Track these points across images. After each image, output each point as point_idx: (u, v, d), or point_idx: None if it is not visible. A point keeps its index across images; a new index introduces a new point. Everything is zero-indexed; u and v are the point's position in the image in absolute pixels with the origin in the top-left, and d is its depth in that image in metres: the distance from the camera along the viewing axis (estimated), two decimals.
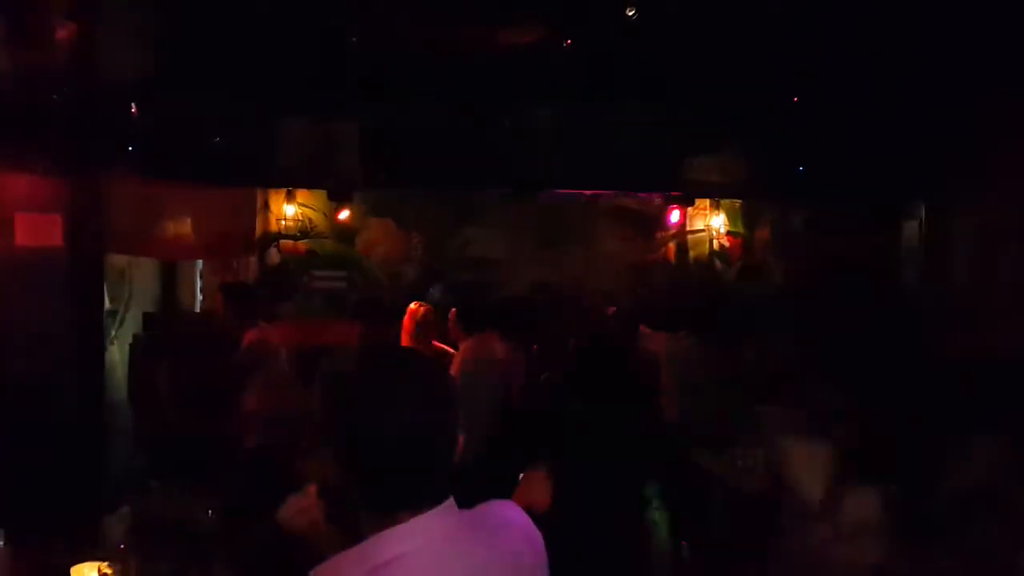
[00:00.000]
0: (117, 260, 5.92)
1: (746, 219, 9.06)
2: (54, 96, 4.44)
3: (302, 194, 8.11)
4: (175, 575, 2.43)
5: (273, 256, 8.24)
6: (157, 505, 2.87)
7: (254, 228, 6.71)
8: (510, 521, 1.29)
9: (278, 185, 6.38)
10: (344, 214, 6.08)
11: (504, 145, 5.85)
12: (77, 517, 2.84)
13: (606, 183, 6.39)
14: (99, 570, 2.13)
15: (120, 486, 3.12)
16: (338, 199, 5.70)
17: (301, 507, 1.57)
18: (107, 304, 5.47)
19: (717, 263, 9.27)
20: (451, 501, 1.16)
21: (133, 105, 5.05)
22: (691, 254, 9.28)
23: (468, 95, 5.61)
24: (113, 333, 5.88)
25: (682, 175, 5.98)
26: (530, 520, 1.33)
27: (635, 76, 5.46)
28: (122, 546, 2.38)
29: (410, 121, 5.64)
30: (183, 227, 6.32)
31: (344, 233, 8.50)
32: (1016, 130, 5.24)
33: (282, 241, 8.26)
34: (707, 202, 8.95)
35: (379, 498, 1.10)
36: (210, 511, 2.81)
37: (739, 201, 8.95)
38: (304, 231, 8.32)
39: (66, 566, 2.36)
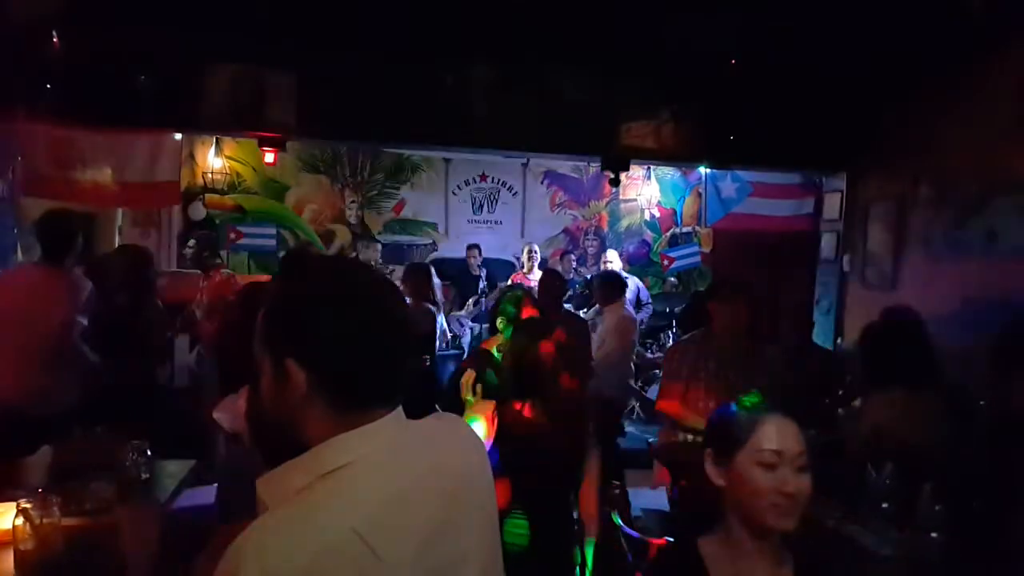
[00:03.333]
0: (32, 208, 5.64)
1: (676, 189, 9.30)
2: None
3: (230, 146, 7.86)
4: (96, 514, 2.36)
5: (198, 210, 7.97)
6: (79, 448, 2.78)
7: (178, 178, 6.44)
8: (456, 431, 1.30)
9: (205, 131, 6.14)
10: (269, 159, 5.83)
11: (443, 102, 5.75)
12: None
13: (541, 145, 6.35)
14: (17, 506, 2.05)
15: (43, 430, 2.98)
16: (268, 147, 5.50)
17: (234, 408, 1.56)
18: (19, 255, 5.22)
19: (647, 232, 9.46)
20: (399, 410, 1.15)
21: (51, 42, 4.77)
22: (623, 223, 9.45)
23: (407, 48, 5.48)
24: None
25: (615, 140, 6.00)
26: (475, 432, 1.35)
27: (575, 35, 5.43)
28: (40, 489, 2.30)
29: (347, 71, 5.48)
30: (102, 174, 6.03)
31: (274, 189, 8.29)
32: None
33: (207, 195, 8.01)
34: (639, 172, 9.14)
35: (345, 399, 1.09)
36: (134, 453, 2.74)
37: (671, 172, 9.18)
38: (232, 185, 8.08)
39: None
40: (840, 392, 4.34)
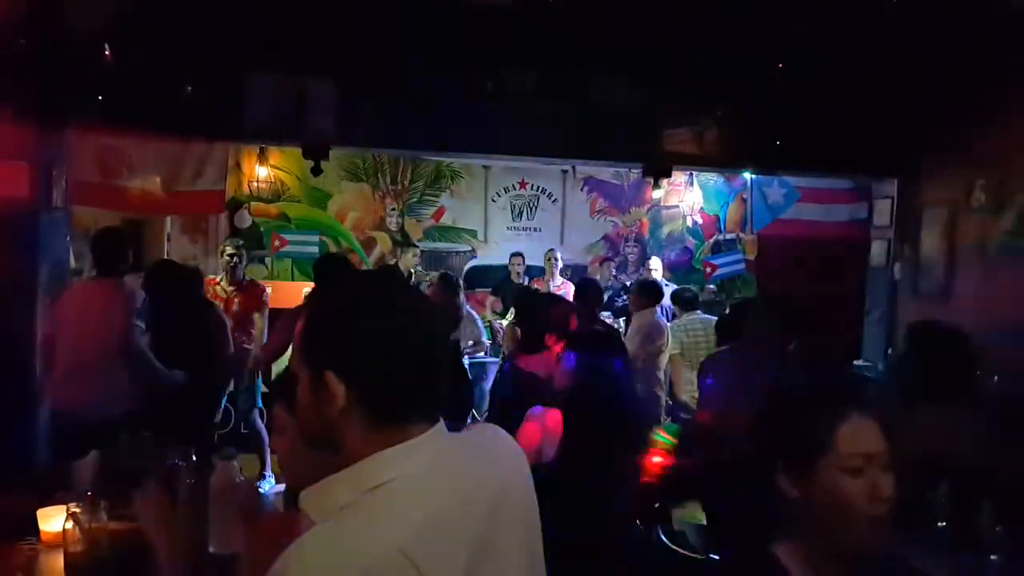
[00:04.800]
0: (83, 218, 5.79)
1: (719, 196, 9.17)
2: (20, 42, 4.30)
3: (275, 156, 7.98)
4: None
5: (244, 217, 8.11)
6: (125, 453, 2.82)
7: (225, 187, 6.57)
8: (497, 444, 1.28)
9: (250, 141, 6.25)
10: (315, 171, 5.92)
11: (481, 110, 5.76)
12: (46, 462, 2.79)
13: (583, 153, 6.33)
14: (67, 510, 2.09)
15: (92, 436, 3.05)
16: (312, 157, 5.57)
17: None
18: (72, 263, 5.36)
19: (689, 239, 9.34)
20: (441, 424, 1.14)
21: (102, 53, 4.89)
22: (664, 229, 9.35)
23: (448, 55, 5.51)
24: None
25: (656, 147, 5.94)
26: (515, 443, 1.32)
27: (616, 41, 5.40)
28: (89, 492, 2.34)
29: (389, 80, 5.53)
30: (150, 182, 6.17)
31: (317, 197, 8.40)
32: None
33: (253, 203, 8.14)
34: (682, 178, 9.03)
35: (385, 414, 1.08)
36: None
37: (713, 178, 9.05)
38: (276, 193, 8.21)
39: (33, 509, 2.32)
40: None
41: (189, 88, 5.06)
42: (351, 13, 5.08)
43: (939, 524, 2.80)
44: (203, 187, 6.38)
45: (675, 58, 5.56)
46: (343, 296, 1.12)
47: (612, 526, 2.77)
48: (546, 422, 2.75)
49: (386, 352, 1.06)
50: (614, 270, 8.81)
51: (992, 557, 2.55)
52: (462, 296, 5.47)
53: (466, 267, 8.91)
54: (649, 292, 5.66)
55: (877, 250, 6.53)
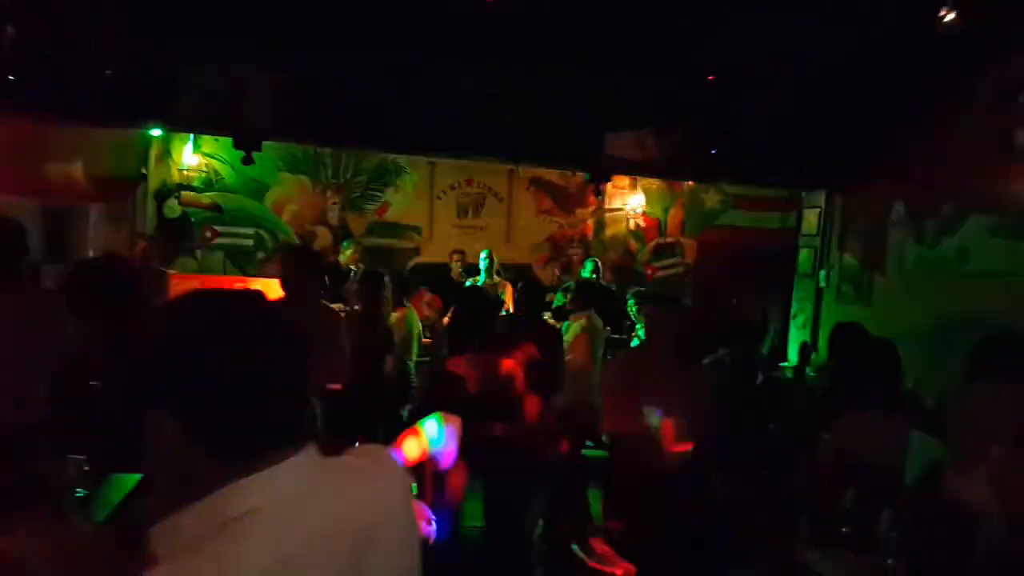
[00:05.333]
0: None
1: (661, 200, 9.23)
2: None
3: (208, 143, 7.74)
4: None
5: (172, 207, 7.85)
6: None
7: (145, 174, 6.34)
8: (375, 467, 1.20)
9: (178, 128, 6.04)
10: (247, 164, 5.74)
11: (423, 108, 5.68)
12: None
13: (525, 155, 6.30)
14: None
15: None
16: (244, 148, 5.41)
17: None
18: None
19: (632, 242, 9.39)
20: (311, 448, 1.06)
21: (16, 33, 4.67)
22: (608, 232, 9.38)
23: (390, 53, 5.42)
24: None
25: (598, 152, 5.94)
26: (403, 467, 1.27)
27: (562, 47, 5.38)
28: None
29: (329, 73, 5.41)
30: (71, 169, 5.94)
31: (254, 188, 8.18)
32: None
33: (183, 192, 7.90)
34: (626, 182, 9.08)
35: (228, 447, 0.99)
36: None
37: (656, 182, 9.12)
38: (209, 183, 7.97)
39: None
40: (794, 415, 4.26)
41: (109, 71, 4.85)
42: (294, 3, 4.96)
43: (843, 529, 2.83)
44: (126, 174, 6.16)
45: (616, 66, 5.57)
46: (162, 327, 1.03)
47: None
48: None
49: (216, 382, 0.97)
50: (558, 270, 8.81)
51: (888, 561, 2.57)
52: (385, 294, 5.24)
53: (410, 264, 8.82)
54: (587, 294, 5.61)
55: (804, 257, 6.64)
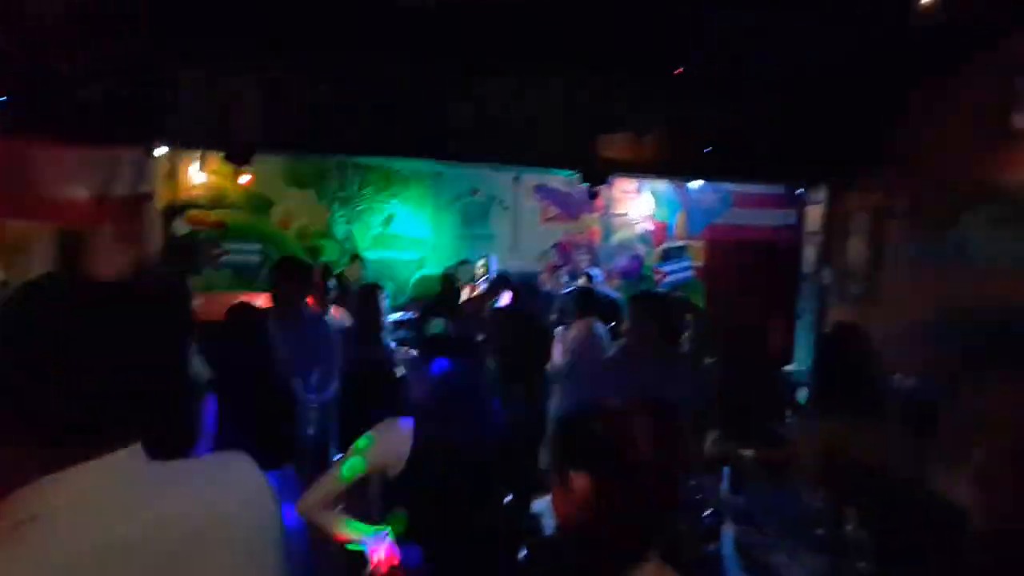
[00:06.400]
0: (12, 229, 5.67)
1: (668, 203, 9.14)
2: None
3: (213, 161, 7.85)
4: None
5: (180, 226, 7.96)
6: None
7: (153, 193, 6.44)
8: (221, 476, 1.15)
9: (169, 144, 6.11)
10: (244, 178, 5.81)
11: (418, 113, 5.70)
12: None
13: (518, 159, 6.28)
14: None
15: None
16: (236, 162, 5.47)
17: None
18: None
19: (640, 246, 9.31)
20: (136, 448, 1.03)
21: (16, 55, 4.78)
22: (615, 237, 9.31)
23: (381, 58, 5.44)
24: None
25: (590, 153, 5.90)
26: (262, 478, 1.18)
27: (553, 48, 5.36)
28: None
29: (319, 81, 5.45)
30: (75, 191, 6.05)
31: (259, 204, 8.27)
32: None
33: (190, 211, 8.00)
34: (632, 185, 9.02)
35: (44, 438, 0.96)
36: None
37: (664, 185, 9.03)
38: (215, 201, 8.07)
39: None
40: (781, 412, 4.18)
41: (102, 91, 4.93)
42: (276, 13, 5.00)
43: (818, 532, 2.76)
44: (132, 194, 6.25)
45: (609, 64, 5.54)
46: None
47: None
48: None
49: (27, 370, 0.96)
50: (565, 277, 8.76)
51: (860, 564, 2.50)
52: (382, 303, 5.25)
53: (415, 276, 8.85)
54: (583, 302, 5.55)
55: (809, 255, 6.53)
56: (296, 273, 4.27)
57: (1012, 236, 4.47)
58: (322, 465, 4.12)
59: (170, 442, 1.16)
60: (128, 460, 1.01)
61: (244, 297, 6.79)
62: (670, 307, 3.98)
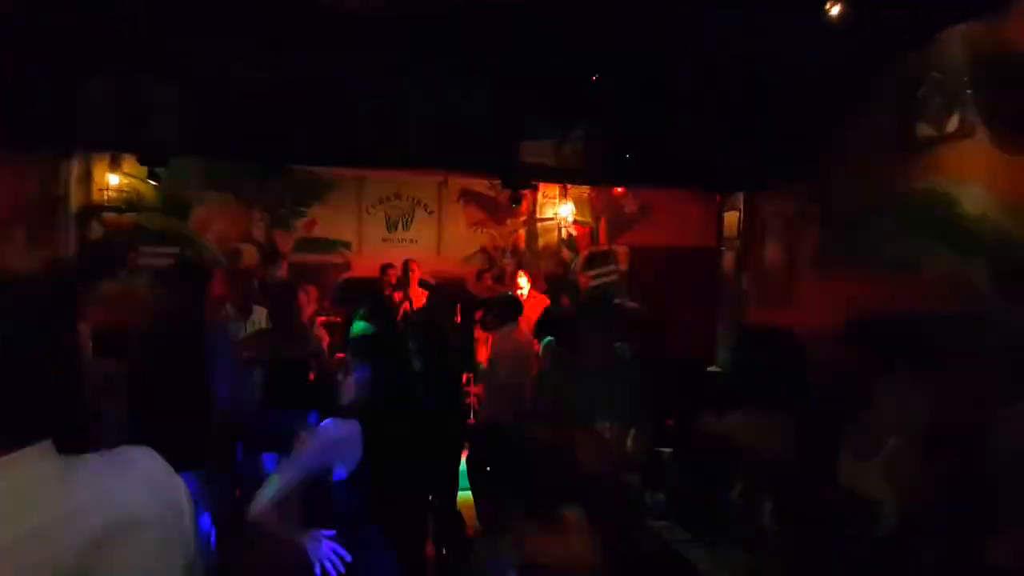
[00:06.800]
0: None
1: (592, 208, 9.28)
2: None
3: (129, 163, 7.57)
4: None
5: (94, 229, 7.64)
6: None
7: (65, 197, 6.18)
8: (133, 470, 1.15)
9: (83, 148, 5.88)
10: (154, 179, 5.63)
11: (332, 117, 5.62)
12: None
13: (436, 162, 6.28)
14: None
15: None
16: (149, 164, 5.30)
17: None
18: None
19: (565, 251, 9.41)
20: (47, 444, 1.03)
21: None
22: (540, 241, 9.39)
23: (299, 59, 5.34)
24: None
25: (511, 158, 5.94)
26: (169, 470, 1.20)
27: (471, 50, 5.37)
28: None
29: (235, 83, 5.31)
30: None
31: (177, 207, 8.02)
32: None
33: (105, 214, 7.69)
34: (556, 190, 9.12)
35: None
36: None
37: (586, 190, 9.17)
38: (131, 203, 7.78)
39: None
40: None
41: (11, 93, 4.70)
42: (192, 13, 4.86)
43: (733, 525, 2.85)
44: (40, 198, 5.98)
45: (527, 68, 5.58)
46: None
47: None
48: None
49: None
50: (490, 282, 8.79)
51: (772, 556, 2.59)
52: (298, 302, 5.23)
53: (342, 278, 8.71)
54: (505, 309, 5.57)
55: (727, 260, 6.73)
56: (188, 275, 4.24)
57: (918, 235, 4.71)
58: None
59: (78, 438, 1.14)
60: (38, 456, 1.02)
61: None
62: (599, 310, 4.04)
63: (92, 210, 7.61)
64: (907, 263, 4.79)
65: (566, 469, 1.48)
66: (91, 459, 1.12)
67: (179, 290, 4.02)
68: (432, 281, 7.96)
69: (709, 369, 6.42)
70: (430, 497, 3.37)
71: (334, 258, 8.80)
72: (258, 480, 5.10)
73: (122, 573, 1.04)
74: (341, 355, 5.98)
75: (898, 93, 4.91)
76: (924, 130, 4.68)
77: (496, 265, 9.24)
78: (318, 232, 8.73)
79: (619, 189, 8.46)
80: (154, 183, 5.72)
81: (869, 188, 5.11)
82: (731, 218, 6.71)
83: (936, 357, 3.14)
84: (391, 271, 7.89)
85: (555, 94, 5.79)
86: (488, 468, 4.92)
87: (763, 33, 5.01)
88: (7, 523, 0.95)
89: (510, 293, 7.03)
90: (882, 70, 5.04)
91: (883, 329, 4.44)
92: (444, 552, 4.35)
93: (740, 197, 6.57)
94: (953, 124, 4.43)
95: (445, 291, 7.00)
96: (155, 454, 1.21)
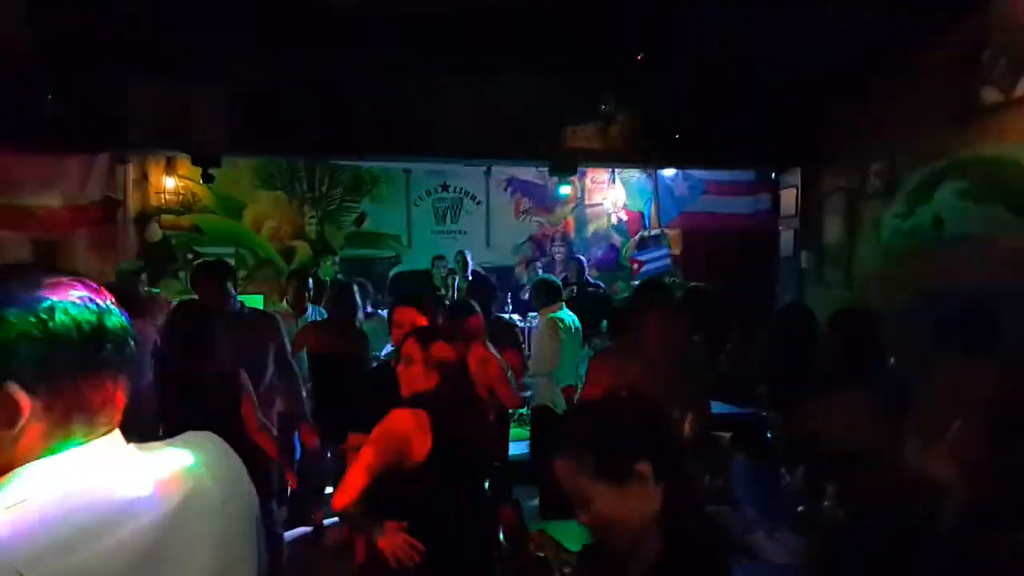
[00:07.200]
0: None
1: (641, 192, 9.14)
2: None
3: (184, 165, 7.76)
4: None
5: (153, 231, 7.86)
6: None
7: (123, 200, 6.36)
8: (194, 458, 1.14)
9: (133, 149, 6.03)
10: (208, 182, 5.75)
11: (378, 111, 5.65)
12: None
13: (484, 152, 6.24)
14: None
15: None
16: (202, 165, 5.41)
17: None
18: None
19: (615, 236, 9.30)
20: (116, 435, 1.05)
21: None
22: (590, 228, 9.31)
23: (347, 59, 5.39)
24: None
25: (558, 144, 5.88)
26: (234, 455, 1.22)
27: (516, 40, 5.33)
28: None
29: (280, 81, 5.38)
30: (44, 199, 5.96)
31: (231, 207, 8.19)
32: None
33: (163, 216, 7.91)
34: (604, 175, 9.02)
35: (57, 423, 0.97)
36: None
37: (636, 174, 9.03)
38: (187, 205, 7.98)
39: None
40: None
41: (62, 98, 4.84)
42: (240, 16, 4.93)
43: (799, 509, 2.76)
44: (100, 201, 6.17)
45: (572, 54, 5.52)
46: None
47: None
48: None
49: (61, 352, 0.96)
50: (540, 270, 8.75)
51: (836, 541, 2.50)
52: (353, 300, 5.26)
53: (391, 273, 8.78)
54: (545, 291, 5.50)
55: (785, 240, 6.55)
56: (213, 275, 4.31)
57: (984, 208, 4.50)
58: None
59: (142, 428, 1.16)
60: (109, 444, 1.04)
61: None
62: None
63: (150, 213, 7.83)
64: (973, 235, 4.58)
65: (637, 425, 1.48)
66: (160, 445, 1.14)
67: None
68: (482, 272, 7.97)
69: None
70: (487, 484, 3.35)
71: (385, 252, 8.88)
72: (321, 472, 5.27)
73: (200, 544, 1.06)
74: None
75: (961, 59, 4.69)
76: (990, 94, 4.46)
77: (547, 253, 9.19)
78: (368, 227, 8.81)
79: (669, 171, 8.31)
80: (207, 184, 5.75)
81: (932, 157, 4.90)
82: (788, 195, 6.51)
83: (1005, 333, 2.99)
84: (440, 262, 7.92)
85: (601, 77, 5.71)
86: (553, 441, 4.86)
87: (811, 11, 4.87)
88: (87, 509, 0.96)
89: (549, 277, 6.97)
90: (943, 35, 4.82)
91: (948, 304, 4.27)
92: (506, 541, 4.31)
93: (797, 173, 6.36)
94: (1022, 87, 4.21)
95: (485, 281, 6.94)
96: (217, 438, 1.24)
